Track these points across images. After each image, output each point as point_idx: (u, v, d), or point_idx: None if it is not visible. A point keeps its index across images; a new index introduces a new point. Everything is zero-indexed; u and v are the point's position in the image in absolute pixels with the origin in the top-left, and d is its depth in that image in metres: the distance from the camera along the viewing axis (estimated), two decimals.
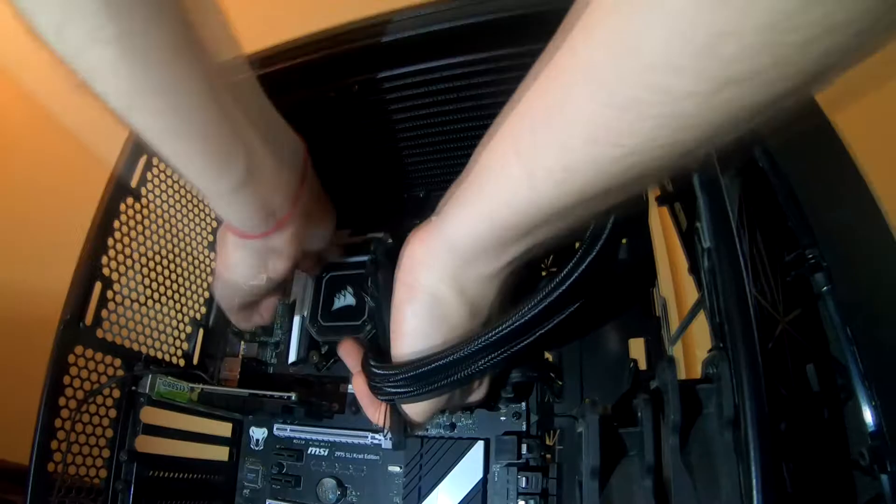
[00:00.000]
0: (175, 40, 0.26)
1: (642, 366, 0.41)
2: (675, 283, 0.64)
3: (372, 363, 0.34)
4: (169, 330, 0.50)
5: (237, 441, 0.53)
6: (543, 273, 0.48)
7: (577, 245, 0.47)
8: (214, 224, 0.55)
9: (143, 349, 0.47)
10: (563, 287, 0.30)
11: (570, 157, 0.21)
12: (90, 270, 0.43)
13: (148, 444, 0.46)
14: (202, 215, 0.54)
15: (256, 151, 0.32)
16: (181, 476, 0.48)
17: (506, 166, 0.24)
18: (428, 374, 0.30)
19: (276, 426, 0.51)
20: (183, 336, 0.52)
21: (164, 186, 0.49)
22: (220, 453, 0.52)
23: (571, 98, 0.20)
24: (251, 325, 0.47)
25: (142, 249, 0.48)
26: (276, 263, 0.37)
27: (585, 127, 0.20)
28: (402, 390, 0.32)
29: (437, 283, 0.29)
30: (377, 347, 0.37)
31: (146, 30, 0.25)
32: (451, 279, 0.29)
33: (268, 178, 0.33)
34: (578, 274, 0.30)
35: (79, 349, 0.42)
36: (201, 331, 0.54)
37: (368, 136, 0.46)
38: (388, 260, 0.36)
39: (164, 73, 0.26)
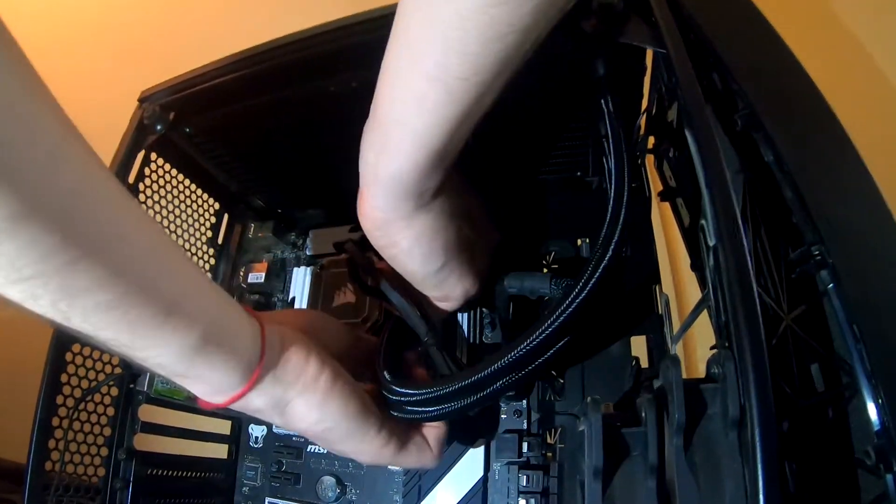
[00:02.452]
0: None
1: (644, 364, 0.41)
2: (676, 279, 0.64)
3: (389, 379, 0.35)
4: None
5: (236, 439, 0.53)
6: (545, 270, 0.47)
7: (579, 242, 0.47)
8: (213, 220, 0.55)
9: None
10: (574, 306, 0.31)
11: (473, 60, 0.24)
12: None
13: (146, 443, 0.46)
14: (201, 211, 0.54)
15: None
16: (180, 474, 0.48)
17: (419, 94, 0.26)
18: (449, 396, 0.33)
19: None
20: None
21: (162, 182, 0.49)
22: (220, 451, 0.52)
23: (459, 9, 0.23)
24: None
25: None
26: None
27: (479, 29, 0.23)
28: (422, 409, 0.34)
29: (405, 222, 0.31)
30: (391, 358, 0.38)
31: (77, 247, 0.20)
32: (411, 210, 0.31)
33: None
34: (588, 292, 0.32)
35: (76, 347, 0.42)
36: None
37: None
38: (363, 250, 0.40)
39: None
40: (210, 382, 0.28)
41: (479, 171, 0.40)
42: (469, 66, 0.24)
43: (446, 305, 0.39)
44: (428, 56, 0.25)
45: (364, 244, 0.42)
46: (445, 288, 0.36)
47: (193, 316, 0.25)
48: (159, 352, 0.25)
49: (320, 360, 0.31)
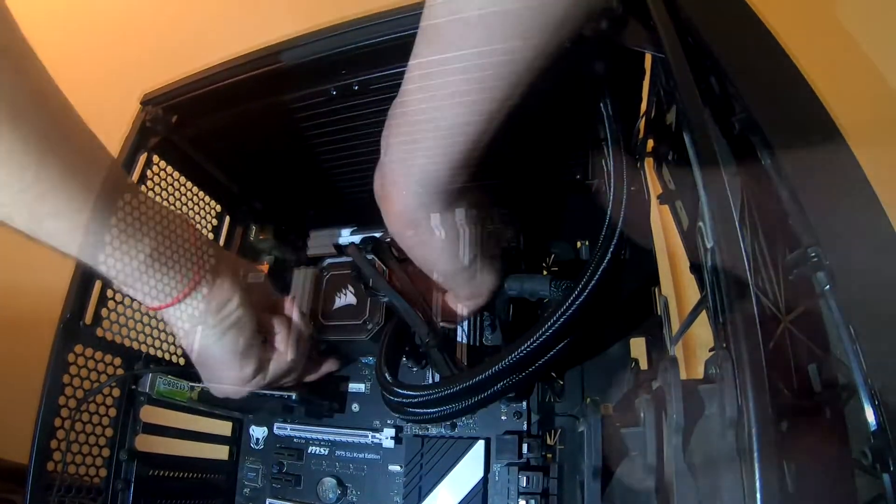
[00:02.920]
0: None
1: (643, 365, 0.41)
2: (676, 281, 0.64)
3: (390, 380, 0.35)
4: (169, 328, 0.50)
5: (237, 440, 0.53)
6: (544, 272, 0.48)
7: (578, 244, 0.47)
8: (215, 223, 0.55)
9: (144, 348, 0.47)
10: (574, 308, 0.32)
11: (505, 54, 0.25)
12: (90, 268, 0.43)
13: (148, 444, 0.46)
14: (203, 213, 0.54)
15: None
16: (181, 475, 0.48)
17: (451, 90, 0.27)
18: (450, 398, 0.33)
19: (276, 425, 0.51)
20: None
21: (164, 184, 0.49)
22: (221, 452, 0.52)
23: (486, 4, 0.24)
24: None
25: None
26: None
27: (506, 27, 0.24)
28: (423, 411, 0.35)
29: (438, 219, 0.32)
30: (392, 359, 0.38)
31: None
32: (443, 207, 0.32)
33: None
34: (587, 294, 0.32)
35: (78, 348, 0.42)
36: None
37: (371, 135, 0.46)
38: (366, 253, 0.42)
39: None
40: (147, 294, 0.35)
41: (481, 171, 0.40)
42: (502, 61, 0.25)
43: (471, 304, 0.38)
44: (458, 51, 0.25)
45: (365, 246, 0.42)
46: (475, 284, 0.36)
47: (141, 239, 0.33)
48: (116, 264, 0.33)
49: (235, 303, 0.37)
